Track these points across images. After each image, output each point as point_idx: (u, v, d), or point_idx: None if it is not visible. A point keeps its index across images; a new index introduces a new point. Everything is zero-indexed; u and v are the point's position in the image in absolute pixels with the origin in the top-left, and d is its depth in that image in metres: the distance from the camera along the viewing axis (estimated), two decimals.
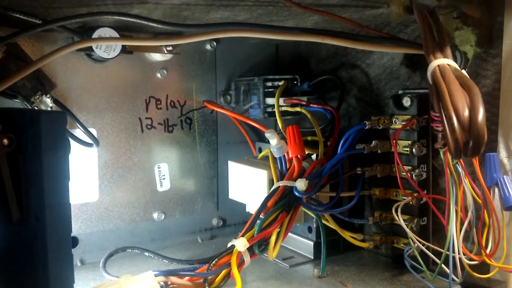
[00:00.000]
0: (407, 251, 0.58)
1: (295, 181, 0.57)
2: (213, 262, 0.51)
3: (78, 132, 0.63)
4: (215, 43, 0.75)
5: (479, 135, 0.38)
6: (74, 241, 0.45)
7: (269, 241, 0.54)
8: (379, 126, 0.59)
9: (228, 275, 0.52)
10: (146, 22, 0.52)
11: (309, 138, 0.69)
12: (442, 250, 0.53)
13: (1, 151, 0.40)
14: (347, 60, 0.70)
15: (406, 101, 0.59)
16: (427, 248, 0.56)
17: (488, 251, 0.51)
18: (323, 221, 0.62)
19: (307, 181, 0.56)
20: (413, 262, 0.57)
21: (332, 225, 0.63)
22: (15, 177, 0.42)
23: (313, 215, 0.63)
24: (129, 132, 0.70)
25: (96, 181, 0.67)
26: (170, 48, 0.68)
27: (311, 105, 0.67)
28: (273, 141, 0.61)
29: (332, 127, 0.65)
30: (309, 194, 0.57)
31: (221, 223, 0.80)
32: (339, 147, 0.60)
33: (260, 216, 0.56)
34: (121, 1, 0.50)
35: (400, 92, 0.61)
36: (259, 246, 0.54)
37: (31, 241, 0.43)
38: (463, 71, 0.45)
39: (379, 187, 0.62)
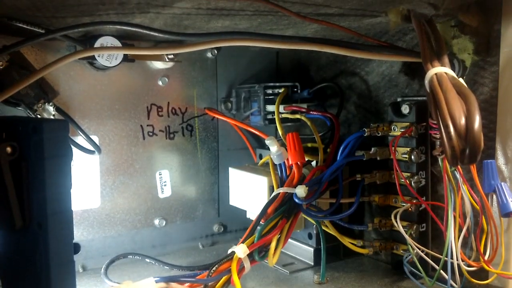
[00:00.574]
0: (406, 257, 0.58)
1: (295, 187, 0.57)
2: (213, 268, 0.51)
3: (80, 140, 0.64)
4: (216, 51, 0.76)
5: (475, 142, 0.39)
6: (76, 248, 0.46)
7: (269, 248, 0.55)
8: (378, 133, 0.60)
9: (229, 282, 0.52)
10: (147, 32, 0.53)
11: (309, 144, 0.69)
12: (441, 256, 0.53)
13: (4, 159, 0.41)
14: (346, 68, 0.71)
15: (405, 109, 0.59)
16: (426, 254, 0.56)
17: (486, 257, 0.51)
18: (323, 228, 0.63)
19: (307, 188, 0.57)
20: (412, 268, 0.57)
21: (332, 231, 0.63)
22: (18, 185, 0.43)
23: (313, 221, 0.64)
24: (130, 139, 0.71)
25: (98, 187, 0.68)
26: (172, 56, 0.69)
27: (311, 112, 0.67)
28: (273, 148, 0.61)
29: (331, 134, 0.65)
30: (309, 201, 0.58)
31: (222, 229, 0.80)
32: (339, 154, 0.60)
33: (260, 222, 0.57)
34: (123, 11, 0.50)
35: (399, 99, 0.62)
36: (259, 252, 0.54)
37: (33, 247, 0.44)
38: (461, 79, 0.46)
39: (378, 194, 0.63)
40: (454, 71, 0.47)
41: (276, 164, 0.62)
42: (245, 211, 0.72)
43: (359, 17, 0.56)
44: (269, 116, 0.72)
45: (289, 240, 0.61)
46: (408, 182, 0.57)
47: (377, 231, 0.65)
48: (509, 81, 0.52)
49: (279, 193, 0.59)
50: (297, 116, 0.68)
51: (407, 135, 0.57)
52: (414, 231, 0.59)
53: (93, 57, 0.63)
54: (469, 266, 0.52)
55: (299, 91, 0.73)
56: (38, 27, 0.54)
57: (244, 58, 0.80)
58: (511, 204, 0.49)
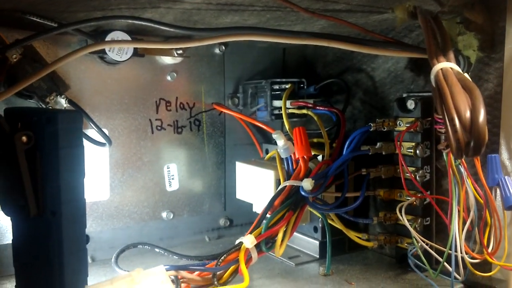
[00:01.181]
0: (410, 250, 0.59)
1: (302, 181, 0.58)
2: (222, 258, 0.52)
3: (90, 132, 0.65)
4: (223, 47, 0.77)
5: (480, 135, 0.40)
6: (86, 238, 0.47)
7: (276, 239, 0.56)
8: (384, 128, 0.61)
9: (236, 271, 0.54)
10: (158, 26, 0.54)
11: (314, 140, 0.70)
12: (445, 250, 0.54)
13: (20, 148, 0.42)
14: (352, 64, 0.72)
15: (410, 104, 0.60)
16: (430, 247, 0.57)
17: (489, 250, 0.52)
18: (329, 221, 0.64)
19: (313, 181, 0.57)
20: (417, 261, 0.58)
21: (337, 224, 0.64)
22: (32, 174, 0.44)
23: (318, 214, 0.65)
24: (139, 133, 0.72)
25: (108, 180, 0.69)
26: (180, 51, 0.70)
27: (317, 107, 0.68)
28: (280, 142, 0.62)
29: (337, 129, 0.66)
30: (315, 194, 0.59)
31: (228, 223, 0.81)
32: (345, 148, 0.61)
33: (267, 214, 0.58)
34: (134, 6, 0.52)
35: (404, 95, 0.62)
36: (266, 243, 0.55)
37: (47, 235, 0.45)
38: (466, 75, 0.47)
39: (383, 188, 0.63)
40: (459, 67, 0.48)
41: (282, 158, 0.63)
42: (251, 206, 0.73)
43: (366, 14, 0.57)
44: (276, 112, 0.73)
45: (295, 233, 0.62)
46: (413, 176, 0.58)
47: (382, 225, 0.66)
48: None
49: (285, 186, 0.60)
50: (304, 111, 0.69)
51: (412, 130, 0.58)
52: (419, 224, 0.60)
53: (103, 52, 0.64)
54: (472, 258, 0.53)
55: (305, 87, 0.74)
56: (51, 21, 0.55)
57: (251, 55, 0.81)
58: None
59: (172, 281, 0.46)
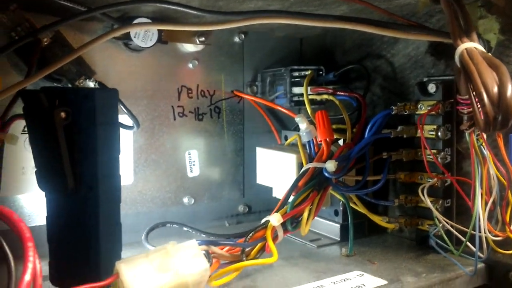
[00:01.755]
0: (432, 231, 0.60)
1: (325, 162, 0.59)
2: (250, 235, 0.53)
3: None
4: (243, 36, 0.79)
5: (508, 109, 0.41)
6: None
7: (301, 218, 0.57)
8: (405, 112, 0.62)
9: (263, 249, 0.55)
10: (185, 10, 0.56)
11: (333, 126, 0.71)
12: (467, 230, 0.55)
13: (59, 123, 0.44)
14: (372, 51, 0.73)
15: (432, 88, 0.61)
16: (452, 227, 0.58)
17: None
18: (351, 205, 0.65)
19: (337, 163, 0.59)
20: (439, 241, 0.59)
21: (359, 207, 0.65)
22: (70, 149, 0.45)
23: (341, 197, 0.66)
24: (162, 119, 0.73)
25: (131, 165, 0.70)
26: (203, 38, 0.72)
27: (338, 93, 0.69)
28: (303, 125, 0.63)
29: (358, 114, 0.67)
30: (338, 175, 0.60)
31: (247, 209, 0.83)
32: (367, 132, 0.62)
33: (291, 195, 0.59)
34: None
35: (425, 79, 0.63)
36: (291, 223, 0.57)
37: (83, 210, 0.46)
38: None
39: (403, 171, 0.65)
40: None
41: (304, 142, 0.65)
42: (269, 193, 0.75)
43: None
44: (295, 98, 0.74)
45: (316, 217, 0.63)
46: (435, 158, 0.59)
47: (401, 208, 0.68)
48: None
49: (309, 168, 0.61)
50: (325, 96, 0.70)
51: (434, 112, 0.59)
52: (440, 206, 0.61)
53: (128, 38, 0.65)
54: (495, 236, 0.54)
55: (323, 74, 0.75)
56: (80, 5, 0.56)
57: (269, 44, 0.83)
58: None
59: (204, 255, 0.47)
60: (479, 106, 0.43)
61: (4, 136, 0.55)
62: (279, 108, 0.72)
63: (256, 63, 0.82)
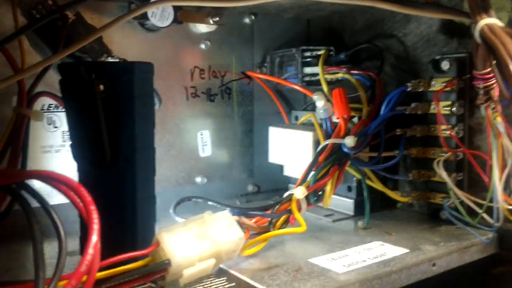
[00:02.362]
0: (446, 203, 0.63)
1: (343, 138, 0.61)
2: (277, 207, 0.55)
3: None
4: (253, 17, 0.80)
5: None
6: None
7: (324, 191, 0.59)
8: (419, 89, 0.64)
9: (287, 221, 0.56)
10: None
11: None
12: (480, 201, 0.58)
13: (98, 95, 0.44)
14: (383, 31, 0.75)
15: (445, 65, 0.63)
16: (467, 199, 0.61)
17: None
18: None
19: (356, 138, 0.60)
20: (454, 212, 0.61)
21: (375, 183, 0.67)
22: (108, 122, 0.46)
23: (355, 173, 0.68)
24: (175, 100, 0.74)
25: None
26: (216, 19, 0.72)
27: (352, 71, 0.71)
28: (320, 103, 0.65)
29: (372, 92, 0.69)
30: (357, 151, 0.62)
31: (256, 189, 0.84)
32: (383, 108, 0.64)
33: (312, 171, 0.61)
34: None
35: (437, 57, 0.65)
36: (313, 196, 0.58)
37: (120, 182, 0.47)
38: None
39: (416, 147, 0.67)
40: None
41: (321, 120, 0.66)
42: (277, 174, 0.78)
43: None
44: (307, 78, 0.76)
45: None
46: (452, 132, 0.61)
47: (411, 184, 0.70)
48: None
49: (327, 144, 0.62)
50: (340, 75, 0.71)
51: (449, 88, 0.62)
52: (452, 179, 0.63)
53: (145, 18, 0.66)
54: (509, 205, 0.56)
55: (334, 54, 0.76)
56: None
57: (278, 26, 0.84)
58: None
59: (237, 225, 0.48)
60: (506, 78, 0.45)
61: (29, 113, 0.56)
62: (295, 86, 0.73)
63: (265, 45, 0.83)
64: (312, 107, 0.79)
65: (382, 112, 0.64)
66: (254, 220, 0.54)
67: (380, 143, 0.65)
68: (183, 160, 0.76)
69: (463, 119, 0.63)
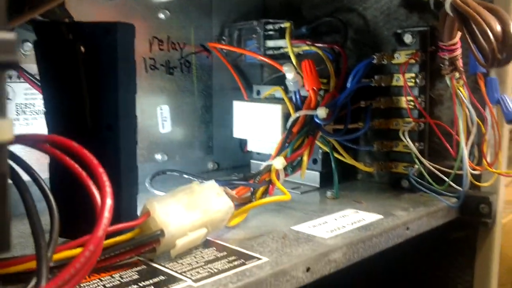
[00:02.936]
0: (410, 171, 0.65)
1: (315, 110, 0.61)
2: (258, 177, 0.54)
3: None
4: None
5: None
6: None
7: (298, 162, 0.59)
8: (384, 61, 0.66)
9: (266, 192, 0.56)
10: None
11: None
12: (443, 168, 0.61)
13: (79, 57, 0.41)
14: (342, 6, 0.76)
15: (407, 38, 0.65)
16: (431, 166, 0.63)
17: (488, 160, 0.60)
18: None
19: (327, 109, 0.61)
20: (419, 180, 0.64)
21: (342, 153, 0.69)
22: (89, 86, 0.42)
23: (322, 146, 0.68)
24: None
25: None
26: None
27: (316, 44, 0.71)
28: (290, 75, 0.65)
29: (336, 65, 0.70)
30: (328, 121, 0.62)
31: (216, 166, 0.83)
32: (349, 81, 0.65)
33: (286, 143, 0.60)
34: None
35: (400, 31, 0.67)
36: (290, 166, 0.58)
37: (101, 151, 0.44)
38: None
39: (379, 119, 0.69)
40: None
41: (290, 92, 0.66)
42: (236, 151, 0.79)
43: None
44: (269, 52, 0.75)
45: None
46: (417, 102, 0.63)
47: (371, 155, 0.72)
48: None
49: (299, 116, 0.62)
50: (305, 47, 0.71)
51: (413, 60, 0.64)
52: (416, 148, 0.66)
53: None
54: (474, 170, 0.60)
55: (293, 28, 0.76)
56: None
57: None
58: None
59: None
60: (482, 44, 0.47)
61: None
62: (266, 59, 0.72)
63: (223, 17, 0.81)
64: (274, 81, 0.79)
65: (349, 84, 0.65)
66: (235, 191, 0.53)
67: (347, 114, 0.67)
68: (142, 136, 0.72)
69: (425, 91, 0.66)
